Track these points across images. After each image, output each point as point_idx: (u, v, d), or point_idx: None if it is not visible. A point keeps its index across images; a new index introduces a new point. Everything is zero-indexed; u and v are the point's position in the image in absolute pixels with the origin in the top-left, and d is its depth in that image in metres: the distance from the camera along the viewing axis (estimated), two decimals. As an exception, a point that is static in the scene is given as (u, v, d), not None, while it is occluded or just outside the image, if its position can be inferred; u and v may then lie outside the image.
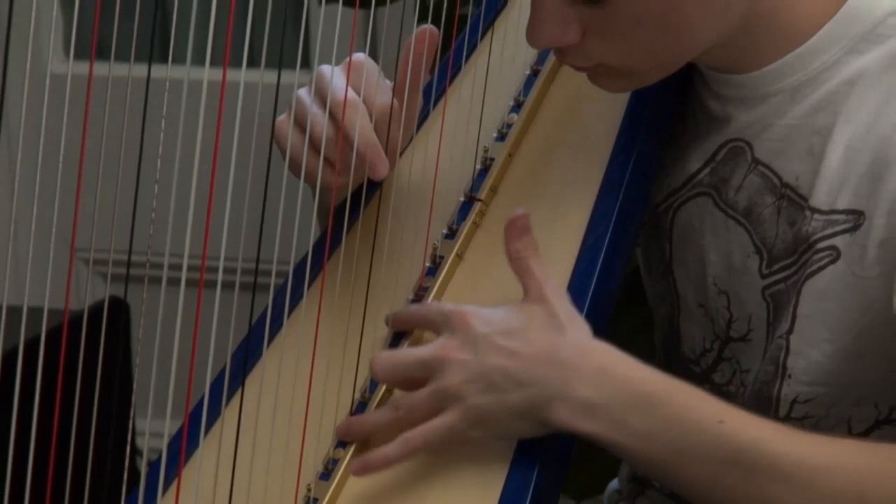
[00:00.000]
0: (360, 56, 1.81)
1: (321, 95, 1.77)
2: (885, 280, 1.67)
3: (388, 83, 1.82)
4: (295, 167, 1.78)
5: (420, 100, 1.87)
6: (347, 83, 1.78)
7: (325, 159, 1.78)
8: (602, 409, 1.61)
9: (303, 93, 1.79)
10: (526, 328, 1.64)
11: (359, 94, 1.78)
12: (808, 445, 1.59)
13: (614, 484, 2.08)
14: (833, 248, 1.72)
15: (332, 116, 1.76)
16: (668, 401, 1.61)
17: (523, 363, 1.62)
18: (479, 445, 1.66)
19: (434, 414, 1.63)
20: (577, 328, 1.65)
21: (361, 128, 1.76)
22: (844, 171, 1.72)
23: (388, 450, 1.65)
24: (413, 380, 1.66)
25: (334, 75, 1.78)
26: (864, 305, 1.70)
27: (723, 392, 1.84)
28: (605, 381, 1.61)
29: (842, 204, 1.72)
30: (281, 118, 1.81)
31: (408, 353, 1.71)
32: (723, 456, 1.58)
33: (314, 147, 1.78)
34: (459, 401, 1.62)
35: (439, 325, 1.68)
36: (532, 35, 1.71)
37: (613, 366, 1.63)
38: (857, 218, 1.70)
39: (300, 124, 1.78)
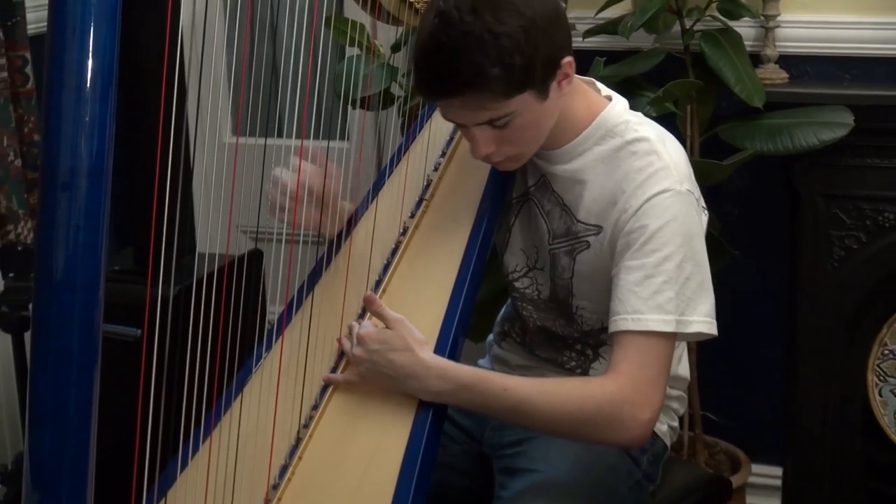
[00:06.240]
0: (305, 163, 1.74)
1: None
2: (611, 259, 1.64)
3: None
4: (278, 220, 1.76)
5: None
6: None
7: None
8: (444, 394, 1.57)
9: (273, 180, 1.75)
10: (391, 348, 1.59)
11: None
12: (547, 394, 1.57)
13: (490, 338, 1.99)
14: (587, 241, 1.69)
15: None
16: (478, 384, 1.58)
17: (396, 371, 1.58)
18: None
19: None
20: (417, 343, 1.59)
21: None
22: (593, 205, 1.68)
23: (334, 377, 1.63)
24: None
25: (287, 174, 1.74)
26: (604, 270, 1.67)
27: (522, 293, 1.82)
28: (443, 380, 1.57)
29: (592, 221, 1.68)
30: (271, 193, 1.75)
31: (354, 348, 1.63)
32: (507, 407, 1.57)
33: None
34: (359, 367, 1.60)
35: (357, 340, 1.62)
36: (474, 153, 1.64)
37: (445, 369, 1.58)
38: (598, 229, 1.67)
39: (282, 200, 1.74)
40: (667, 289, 1.58)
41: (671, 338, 1.59)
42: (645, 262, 1.59)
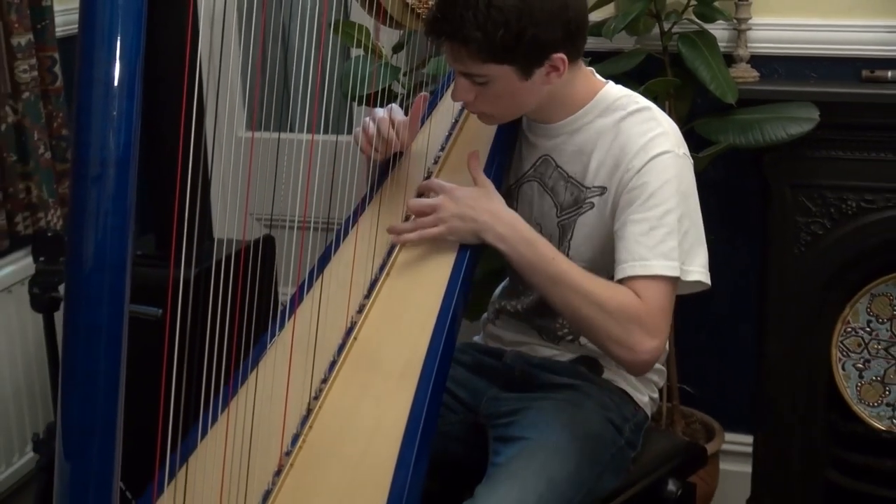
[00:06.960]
0: (393, 105, 1.83)
1: (375, 118, 1.80)
2: (612, 218, 1.68)
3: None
4: (363, 150, 1.82)
5: (419, 125, 1.87)
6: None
7: (373, 145, 1.80)
8: (507, 240, 1.65)
9: (366, 120, 1.81)
10: (478, 196, 1.68)
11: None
12: (588, 277, 1.62)
13: (485, 316, 2.01)
14: (592, 202, 1.72)
15: (379, 127, 1.79)
16: (535, 243, 1.65)
17: (476, 212, 1.66)
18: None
19: (431, 226, 1.68)
20: (499, 200, 1.69)
21: (390, 132, 1.79)
22: (597, 171, 1.70)
23: (409, 236, 1.70)
24: (422, 212, 1.71)
25: (379, 112, 1.81)
26: (605, 230, 1.70)
27: None
28: (511, 229, 1.66)
29: (597, 183, 1.71)
30: (357, 130, 1.83)
31: (425, 200, 1.73)
32: (550, 274, 1.63)
33: (369, 141, 1.80)
34: (447, 222, 1.67)
35: (438, 191, 1.71)
36: (453, 96, 1.71)
37: (515, 221, 1.67)
38: (603, 190, 1.70)
39: (366, 132, 1.81)
40: (670, 239, 1.61)
41: (675, 283, 1.62)
42: (647, 215, 1.62)
